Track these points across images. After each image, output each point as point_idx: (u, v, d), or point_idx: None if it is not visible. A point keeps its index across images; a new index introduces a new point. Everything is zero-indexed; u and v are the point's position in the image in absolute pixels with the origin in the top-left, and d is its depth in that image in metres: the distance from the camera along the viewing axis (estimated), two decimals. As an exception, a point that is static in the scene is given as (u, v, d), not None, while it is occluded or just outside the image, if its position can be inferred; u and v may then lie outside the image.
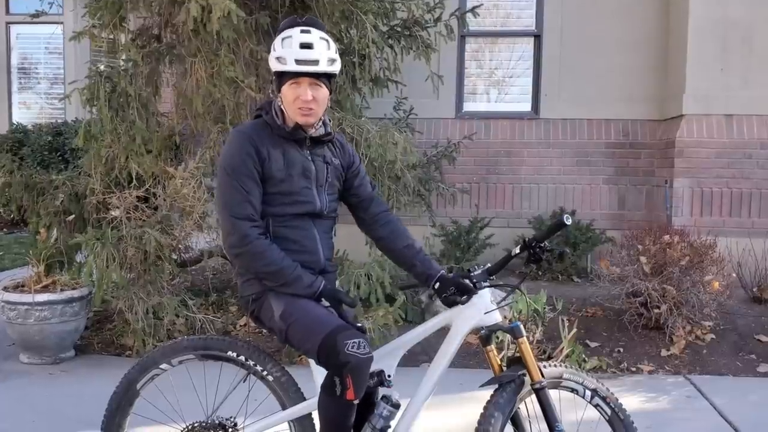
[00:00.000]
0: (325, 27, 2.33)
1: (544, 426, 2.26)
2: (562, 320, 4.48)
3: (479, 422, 2.24)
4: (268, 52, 4.85)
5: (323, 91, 2.27)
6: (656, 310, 4.64)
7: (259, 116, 2.37)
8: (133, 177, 4.71)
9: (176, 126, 5.00)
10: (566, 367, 2.36)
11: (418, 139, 6.45)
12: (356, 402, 2.15)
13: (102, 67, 4.68)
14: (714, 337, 4.73)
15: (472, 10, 5.76)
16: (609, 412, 2.34)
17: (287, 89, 2.25)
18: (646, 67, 6.60)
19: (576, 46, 6.67)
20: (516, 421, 2.33)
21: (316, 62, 2.20)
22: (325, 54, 2.22)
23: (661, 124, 6.57)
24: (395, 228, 2.48)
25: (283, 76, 2.25)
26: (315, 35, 2.23)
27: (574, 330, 4.40)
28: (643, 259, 4.67)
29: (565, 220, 2.18)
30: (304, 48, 2.20)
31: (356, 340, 2.10)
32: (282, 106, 2.30)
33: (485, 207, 6.76)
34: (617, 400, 2.37)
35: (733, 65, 6.05)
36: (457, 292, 2.31)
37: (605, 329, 4.93)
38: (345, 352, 2.07)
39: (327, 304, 2.24)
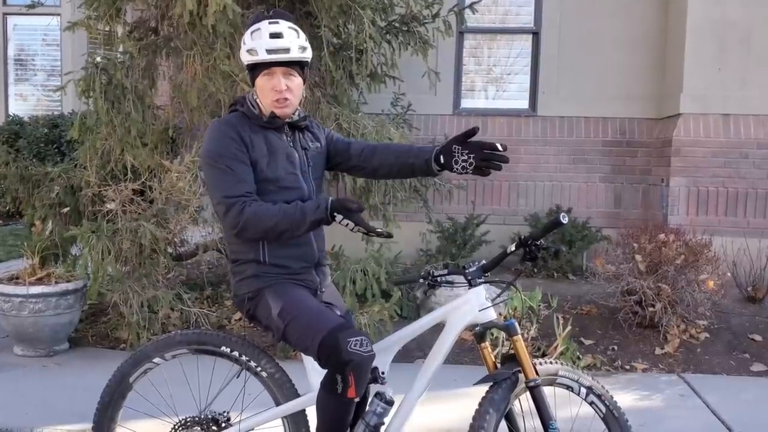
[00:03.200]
0: (293, 18, 2.34)
1: (537, 422, 2.26)
2: (557, 318, 4.49)
3: (474, 419, 2.24)
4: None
5: (297, 80, 2.28)
6: (651, 309, 4.65)
7: (234, 110, 2.37)
8: (129, 170, 4.69)
9: (172, 119, 4.99)
10: (562, 364, 2.37)
11: (415, 135, 6.44)
12: (357, 400, 2.14)
13: (98, 59, 4.66)
14: (708, 336, 4.74)
15: (471, 6, 5.76)
16: (604, 409, 2.34)
17: (261, 81, 2.26)
18: (643, 66, 6.60)
19: (574, 44, 6.67)
20: (510, 417, 2.33)
21: (287, 50, 2.21)
22: (296, 42, 2.23)
23: (658, 123, 6.57)
24: (382, 150, 2.45)
25: (256, 69, 2.26)
26: (283, 25, 2.25)
27: (569, 327, 4.41)
28: (638, 257, 4.67)
29: (561, 219, 2.18)
30: (274, 37, 2.21)
31: (358, 338, 2.09)
32: (257, 99, 2.30)
33: (481, 204, 6.75)
34: (612, 397, 2.37)
35: (731, 65, 6.06)
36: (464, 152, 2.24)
37: (600, 327, 4.94)
38: (348, 350, 2.06)
39: (341, 217, 2.09)
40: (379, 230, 2.09)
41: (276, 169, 2.26)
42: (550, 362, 2.35)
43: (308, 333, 2.15)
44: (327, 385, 2.13)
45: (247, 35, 2.26)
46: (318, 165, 2.42)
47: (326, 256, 2.46)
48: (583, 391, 2.34)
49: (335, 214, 2.09)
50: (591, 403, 2.35)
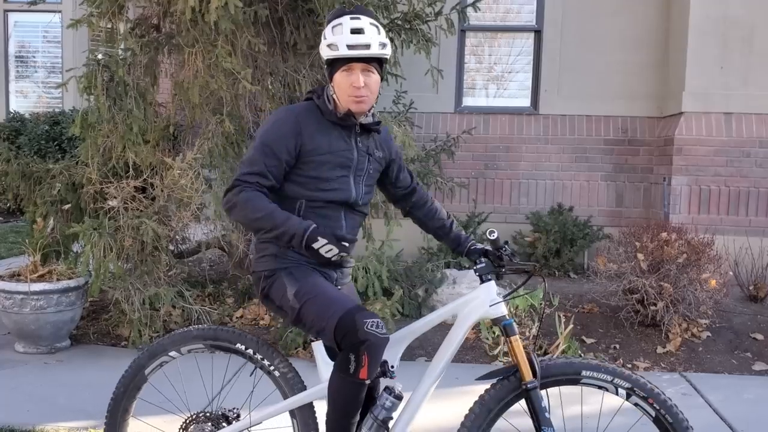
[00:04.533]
0: (374, 15, 2.33)
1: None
2: (559, 316, 4.49)
3: (465, 417, 2.24)
4: (266, 44, 4.83)
5: (375, 77, 2.27)
6: (653, 307, 4.64)
7: (309, 99, 2.36)
8: (131, 167, 4.69)
9: (173, 116, 4.98)
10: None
11: (417, 133, 6.44)
12: (368, 382, 2.14)
13: (100, 56, 4.65)
14: (710, 334, 4.75)
15: (473, 4, 5.75)
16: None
17: (340, 76, 2.25)
18: (645, 64, 6.60)
19: (576, 43, 6.66)
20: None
21: (367, 46, 2.20)
22: (376, 38, 2.22)
23: (660, 122, 6.57)
24: (429, 209, 2.62)
25: (335, 64, 2.25)
26: (365, 21, 2.24)
27: (571, 326, 4.41)
28: (640, 256, 4.67)
29: (488, 235, 2.24)
30: (355, 33, 2.20)
31: (374, 320, 2.11)
32: (334, 95, 2.29)
33: (483, 202, 6.76)
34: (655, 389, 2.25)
35: (733, 64, 6.05)
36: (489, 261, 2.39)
37: (601, 326, 4.94)
38: (364, 330, 2.08)
39: (324, 242, 2.16)
40: (342, 255, 2.20)
41: (330, 170, 2.26)
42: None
43: (325, 313, 2.17)
44: (340, 365, 2.14)
45: (327, 30, 2.25)
46: (375, 173, 2.43)
47: (350, 259, 2.45)
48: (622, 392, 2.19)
49: (314, 240, 2.14)
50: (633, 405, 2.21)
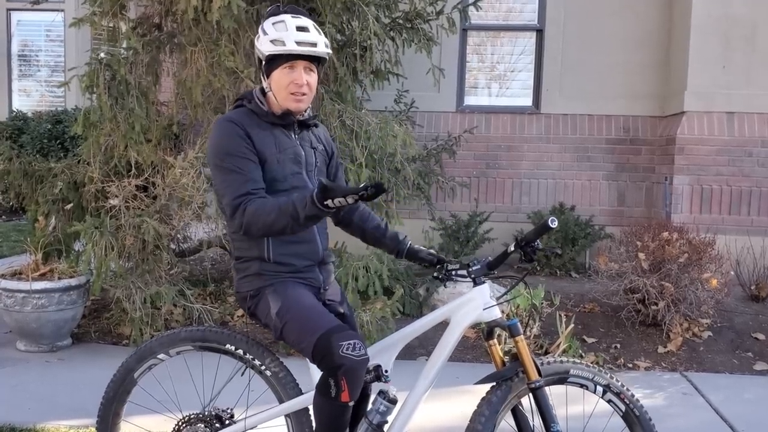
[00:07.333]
0: (309, 16, 2.33)
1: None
2: (560, 315, 4.49)
3: (471, 419, 2.23)
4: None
5: (314, 77, 2.26)
6: (654, 307, 4.64)
7: (239, 106, 2.32)
8: (132, 166, 4.70)
9: (175, 115, 4.99)
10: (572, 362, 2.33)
11: (418, 132, 6.44)
12: (351, 404, 2.11)
13: (102, 55, 4.66)
14: (711, 334, 4.74)
15: (475, 3, 5.75)
16: (623, 408, 2.31)
17: (280, 73, 2.21)
18: (647, 64, 6.59)
19: (578, 42, 6.66)
20: (517, 416, 2.29)
21: (314, 44, 2.19)
22: (321, 38, 2.22)
23: (662, 121, 6.56)
24: (363, 212, 2.57)
25: (275, 61, 2.22)
26: (306, 20, 2.24)
27: (572, 325, 4.41)
28: (641, 255, 4.67)
29: (550, 223, 2.17)
30: (301, 31, 2.19)
31: (351, 342, 2.06)
32: (270, 92, 2.26)
33: (484, 201, 6.75)
34: (632, 394, 2.33)
35: (735, 63, 6.04)
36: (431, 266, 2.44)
37: (602, 325, 4.94)
38: (339, 354, 2.03)
39: (332, 202, 1.89)
40: (365, 185, 1.86)
41: (283, 168, 2.23)
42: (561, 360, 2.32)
43: (303, 334, 2.13)
44: (321, 388, 2.11)
45: (268, 26, 2.22)
46: (323, 166, 2.41)
47: (330, 254, 2.44)
48: (599, 389, 2.29)
49: (326, 202, 1.90)
50: (609, 401, 2.30)
